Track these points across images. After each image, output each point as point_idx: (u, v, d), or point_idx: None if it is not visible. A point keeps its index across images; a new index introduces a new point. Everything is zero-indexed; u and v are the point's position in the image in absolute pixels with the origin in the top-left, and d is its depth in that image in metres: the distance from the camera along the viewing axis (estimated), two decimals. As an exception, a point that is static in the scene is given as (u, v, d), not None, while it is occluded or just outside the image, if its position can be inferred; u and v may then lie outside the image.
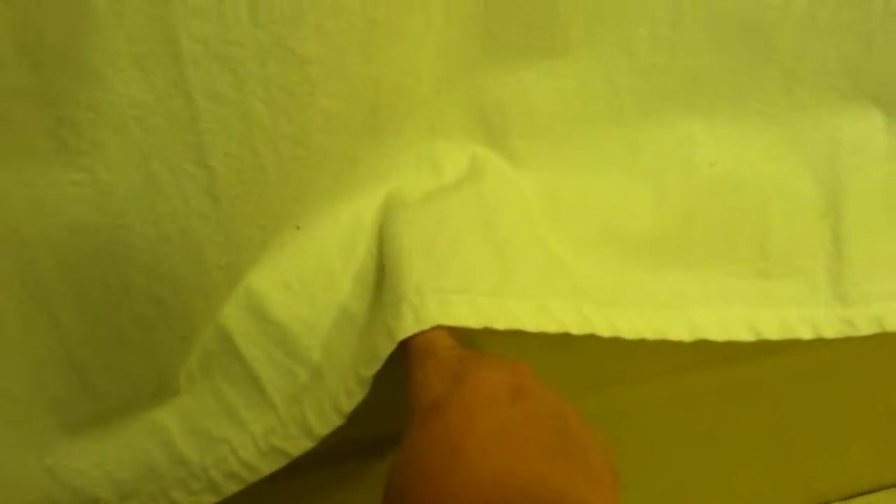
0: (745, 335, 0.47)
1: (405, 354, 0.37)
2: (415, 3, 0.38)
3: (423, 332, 0.37)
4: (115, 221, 0.34)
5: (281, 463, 0.41)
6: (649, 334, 0.45)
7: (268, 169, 0.36)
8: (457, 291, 0.38)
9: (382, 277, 0.41)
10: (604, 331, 0.42)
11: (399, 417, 0.37)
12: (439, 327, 0.37)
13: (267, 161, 0.35)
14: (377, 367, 0.38)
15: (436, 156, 0.44)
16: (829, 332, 0.48)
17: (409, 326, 0.36)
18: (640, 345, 0.44)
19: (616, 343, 0.44)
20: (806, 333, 0.47)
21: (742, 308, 0.47)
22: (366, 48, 0.36)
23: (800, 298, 0.48)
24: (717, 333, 0.46)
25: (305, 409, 0.41)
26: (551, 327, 0.40)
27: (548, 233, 0.45)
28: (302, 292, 0.41)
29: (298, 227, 0.41)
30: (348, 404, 0.40)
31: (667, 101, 0.46)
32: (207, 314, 0.39)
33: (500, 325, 0.38)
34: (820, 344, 0.48)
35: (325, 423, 0.40)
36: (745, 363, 0.48)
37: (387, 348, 0.37)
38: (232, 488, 0.41)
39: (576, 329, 0.41)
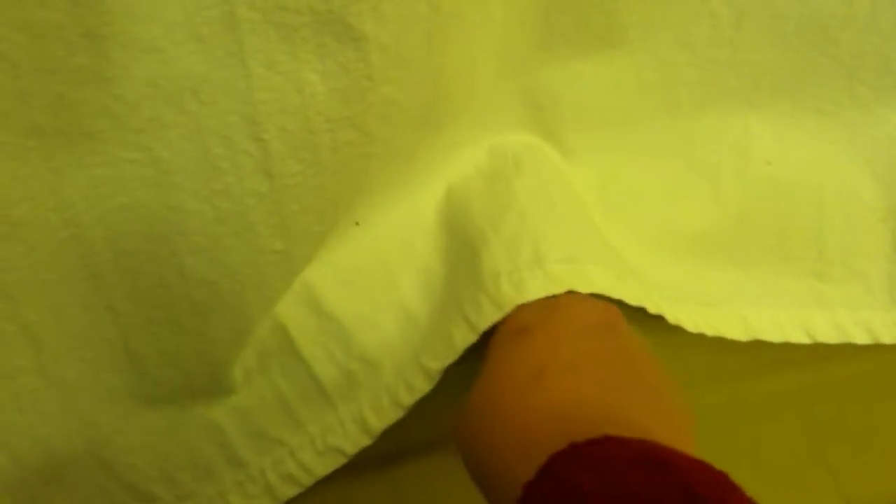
0: (800, 337, 0.46)
1: None
2: None
3: None
4: (170, 201, 0.34)
5: (338, 462, 0.40)
6: (707, 330, 0.44)
7: (322, 150, 0.35)
8: (529, 266, 0.37)
9: (445, 272, 0.41)
10: (670, 317, 0.41)
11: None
12: None
13: (322, 141, 0.35)
14: (452, 358, 0.37)
15: (493, 149, 0.44)
16: (887, 338, 0.46)
17: (489, 315, 0.37)
18: (675, 354, 0.42)
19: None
20: (862, 338, 0.46)
21: (797, 310, 0.46)
22: (429, 37, 0.36)
23: (856, 302, 0.47)
24: (772, 334, 0.46)
25: (363, 405, 0.40)
26: (629, 298, 0.39)
27: (602, 226, 0.45)
28: (360, 288, 0.41)
29: (357, 223, 0.41)
30: (409, 397, 0.39)
31: (724, 96, 0.45)
32: (262, 304, 0.39)
33: (580, 288, 0.37)
34: (854, 354, 0.47)
35: (383, 417, 0.39)
36: (781, 373, 0.47)
37: (467, 339, 0.37)
38: (288, 492, 0.41)
39: (650, 306, 0.40)
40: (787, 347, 0.46)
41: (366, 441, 0.40)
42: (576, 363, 0.33)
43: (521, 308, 0.36)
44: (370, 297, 0.41)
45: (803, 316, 0.46)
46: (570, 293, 0.36)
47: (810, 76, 0.45)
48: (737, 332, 0.45)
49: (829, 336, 0.46)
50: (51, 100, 0.31)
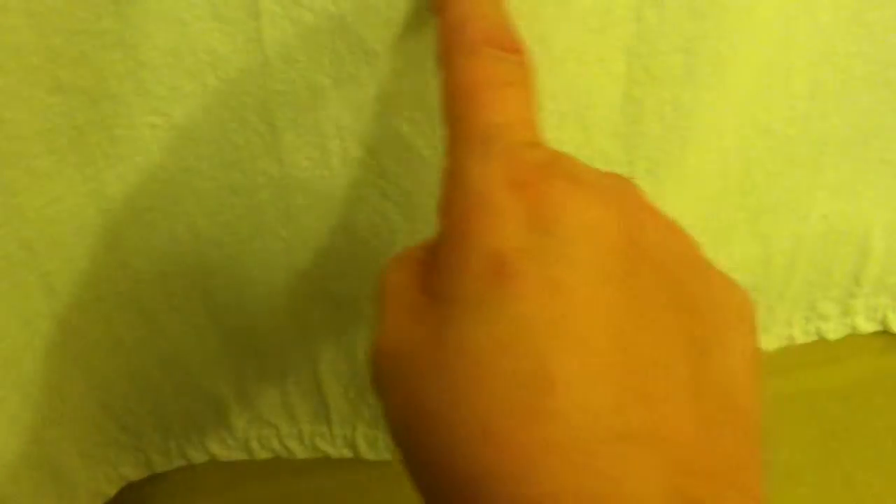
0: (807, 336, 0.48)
1: (448, 123, 0.24)
2: None
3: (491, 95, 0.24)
4: (186, 164, 0.35)
5: (318, 455, 0.44)
6: None
7: (333, 156, 0.35)
8: None
9: None
10: None
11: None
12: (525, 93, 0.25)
13: (332, 147, 0.34)
14: None
15: None
16: None
17: None
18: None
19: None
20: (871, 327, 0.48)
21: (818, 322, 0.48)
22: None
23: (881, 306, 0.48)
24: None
25: (357, 434, 0.43)
26: None
27: None
28: None
29: None
30: None
31: (793, 167, 0.42)
32: (267, 290, 0.39)
33: None
34: (867, 355, 0.48)
35: (375, 451, 0.43)
36: (797, 373, 0.48)
37: None
38: (264, 455, 0.44)
39: None
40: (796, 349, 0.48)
41: (350, 455, 0.44)
42: (604, 349, 0.19)
43: (493, 217, 0.21)
44: None
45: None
46: (566, 173, 0.22)
47: (875, 130, 0.42)
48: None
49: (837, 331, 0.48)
50: (75, 59, 0.31)
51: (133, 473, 0.43)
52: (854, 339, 0.49)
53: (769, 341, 0.48)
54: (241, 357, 0.41)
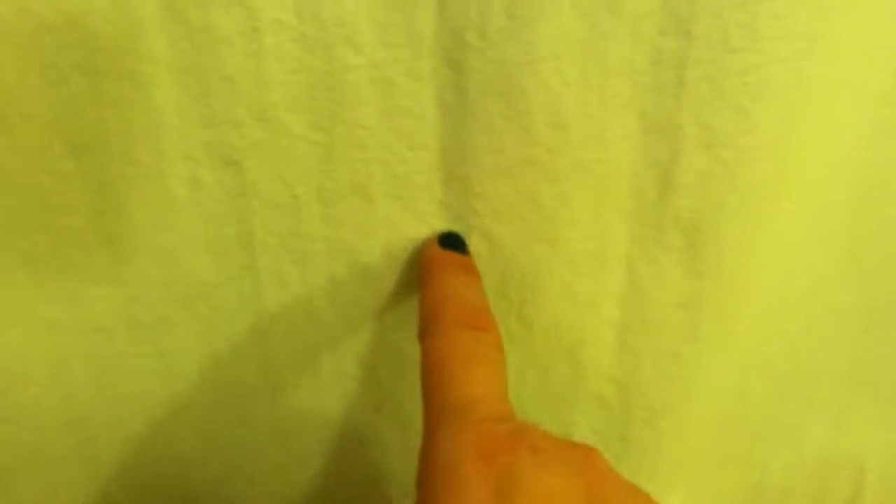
0: None
1: (425, 395, 0.27)
2: None
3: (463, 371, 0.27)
4: (174, 390, 0.34)
5: None
6: None
7: (324, 373, 0.35)
8: None
9: None
10: None
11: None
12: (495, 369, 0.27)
13: (325, 364, 0.34)
14: None
15: None
16: None
17: None
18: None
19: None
20: None
21: None
22: None
23: None
24: None
25: None
26: None
27: None
28: None
29: None
30: None
31: (788, 400, 0.43)
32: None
33: None
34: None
35: None
36: None
37: None
38: None
39: None
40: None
41: None
42: None
43: (460, 489, 0.23)
44: None
45: None
46: (530, 444, 0.24)
47: (867, 364, 0.43)
48: None
49: None
50: (66, 296, 0.31)
51: None
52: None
53: None
54: None
